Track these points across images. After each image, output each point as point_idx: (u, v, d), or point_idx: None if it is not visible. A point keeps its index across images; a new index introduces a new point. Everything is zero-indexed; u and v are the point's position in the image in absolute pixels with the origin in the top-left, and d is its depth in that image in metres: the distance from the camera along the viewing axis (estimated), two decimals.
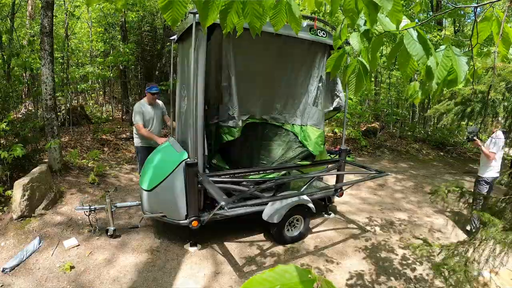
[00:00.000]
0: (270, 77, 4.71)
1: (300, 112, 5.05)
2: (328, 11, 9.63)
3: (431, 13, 14.56)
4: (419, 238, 3.30)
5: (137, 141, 5.53)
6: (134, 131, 5.53)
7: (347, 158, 5.55)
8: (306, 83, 4.92)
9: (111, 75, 11.74)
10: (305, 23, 4.67)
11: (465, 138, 4.82)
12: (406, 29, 1.32)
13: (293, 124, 5.08)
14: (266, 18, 1.26)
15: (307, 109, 5.00)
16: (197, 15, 3.60)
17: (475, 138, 5.05)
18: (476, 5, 1.35)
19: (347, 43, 4.63)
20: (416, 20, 13.58)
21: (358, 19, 1.28)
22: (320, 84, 4.94)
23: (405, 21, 1.38)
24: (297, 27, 1.31)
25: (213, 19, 1.15)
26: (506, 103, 2.83)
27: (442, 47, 1.35)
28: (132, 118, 5.45)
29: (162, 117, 5.66)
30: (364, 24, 1.37)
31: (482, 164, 5.17)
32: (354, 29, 1.48)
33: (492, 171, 5.05)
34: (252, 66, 4.53)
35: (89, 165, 7.34)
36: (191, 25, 3.76)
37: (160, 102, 5.66)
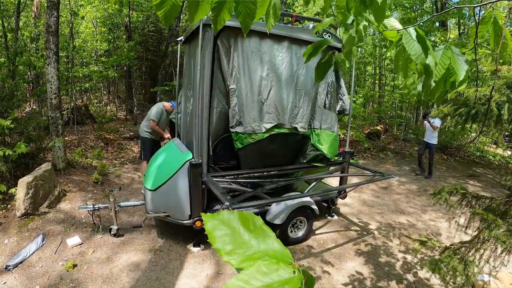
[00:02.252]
0: (279, 80, 4.48)
1: (310, 116, 4.85)
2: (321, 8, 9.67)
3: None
4: (418, 239, 3.30)
5: (147, 134, 6.20)
6: (146, 124, 6.22)
7: (351, 161, 5.54)
8: (315, 86, 4.82)
9: (115, 74, 11.78)
10: (310, 25, 4.66)
11: (422, 116, 9.13)
12: (405, 28, 1.33)
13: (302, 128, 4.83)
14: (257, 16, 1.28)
15: (317, 112, 4.87)
16: (205, 17, 3.58)
17: (427, 117, 8.42)
18: (477, 5, 1.35)
19: (327, 32, 4.61)
20: (421, 23, 13.57)
21: (350, 16, 1.30)
22: (329, 88, 4.90)
23: (395, 22, 1.40)
24: (271, 24, 1.32)
25: (201, 16, 1.16)
26: (510, 105, 2.82)
27: (441, 46, 1.35)
28: (150, 113, 6.18)
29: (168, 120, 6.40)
30: (352, 23, 1.39)
31: (431, 135, 8.52)
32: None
33: (436, 139, 8.60)
34: (260, 69, 4.33)
35: (93, 164, 7.37)
36: (198, 26, 3.77)
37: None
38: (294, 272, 0.66)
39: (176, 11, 1.15)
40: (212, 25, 1.25)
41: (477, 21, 1.37)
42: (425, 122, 8.62)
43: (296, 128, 4.68)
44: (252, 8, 1.21)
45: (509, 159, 12.60)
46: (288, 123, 4.59)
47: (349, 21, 1.40)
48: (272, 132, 4.45)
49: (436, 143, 8.70)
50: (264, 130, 4.37)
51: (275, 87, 4.42)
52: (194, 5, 1.13)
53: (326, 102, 4.93)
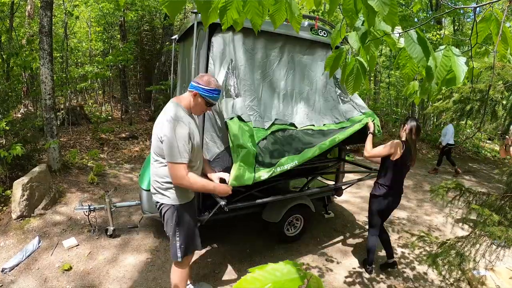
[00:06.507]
0: (278, 78, 4.37)
1: (311, 112, 4.62)
2: (327, 10, 9.64)
3: (430, 12, 14.57)
4: (416, 235, 3.32)
5: None
6: None
7: (346, 158, 5.53)
8: (310, 81, 4.75)
9: (110, 74, 11.71)
10: (306, 22, 4.65)
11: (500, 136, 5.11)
12: (406, 31, 1.33)
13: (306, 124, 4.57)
14: (266, 15, 1.27)
15: (315, 108, 4.78)
16: (199, 15, 3.53)
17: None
18: (476, 5, 1.35)
19: (323, 30, 4.55)
20: (416, 20, 13.61)
21: (357, 19, 1.29)
22: (325, 83, 4.84)
23: (397, 29, 1.40)
24: (297, 25, 1.31)
25: (214, 19, 1.16)
26: (504, 102, 2.83)
27: (442, 47, 1.35)
28: None
29: None
30: (362, 24, 1.38)
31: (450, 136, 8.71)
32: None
33: None
34: (258, 67, 4.21)
35: (89, 164, 7.34)
36: (193, 25, 3.75)
37: None
38: (299, 272, 0.75)
39: (183, 4, 1.14)
40: (222, 25, 1.24)
41: (476, 20, 1.37)
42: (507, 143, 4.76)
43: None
44: (259, 7, 1.20)
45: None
46: (280, 117, 4.42)
47: (358, 24, 1.39)
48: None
49: None
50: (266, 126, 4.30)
51: (274, 85, 4.40)
52: (205, 10, 1.13)
53: (327, 95, 4.85)
